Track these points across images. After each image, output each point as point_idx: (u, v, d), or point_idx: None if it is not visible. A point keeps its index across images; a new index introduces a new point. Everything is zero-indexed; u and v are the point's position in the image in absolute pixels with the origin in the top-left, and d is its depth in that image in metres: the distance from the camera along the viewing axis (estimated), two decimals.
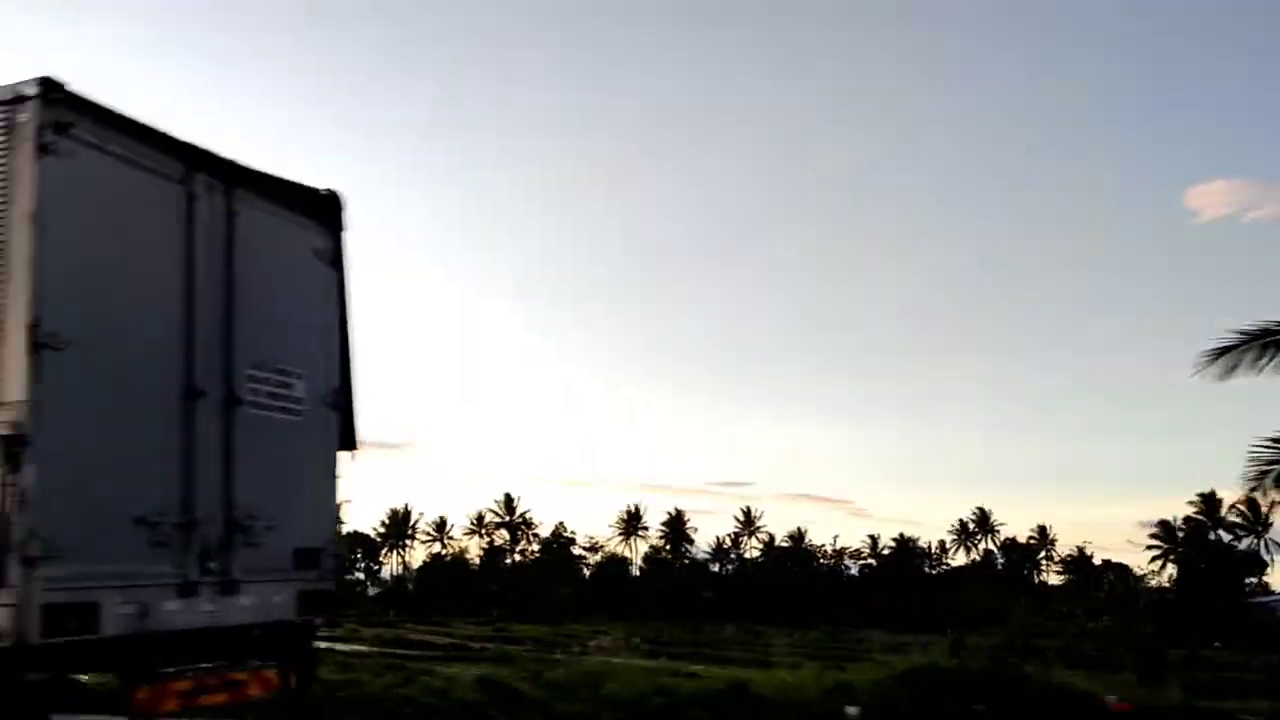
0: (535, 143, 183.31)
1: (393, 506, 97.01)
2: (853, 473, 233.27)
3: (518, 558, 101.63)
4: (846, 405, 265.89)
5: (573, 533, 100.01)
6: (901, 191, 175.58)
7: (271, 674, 5.89)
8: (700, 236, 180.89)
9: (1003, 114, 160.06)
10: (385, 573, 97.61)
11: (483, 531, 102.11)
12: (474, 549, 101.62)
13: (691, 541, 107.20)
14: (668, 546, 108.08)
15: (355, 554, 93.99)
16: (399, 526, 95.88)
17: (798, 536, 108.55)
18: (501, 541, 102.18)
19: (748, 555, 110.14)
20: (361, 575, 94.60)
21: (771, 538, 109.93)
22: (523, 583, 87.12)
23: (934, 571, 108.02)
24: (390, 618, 65.58)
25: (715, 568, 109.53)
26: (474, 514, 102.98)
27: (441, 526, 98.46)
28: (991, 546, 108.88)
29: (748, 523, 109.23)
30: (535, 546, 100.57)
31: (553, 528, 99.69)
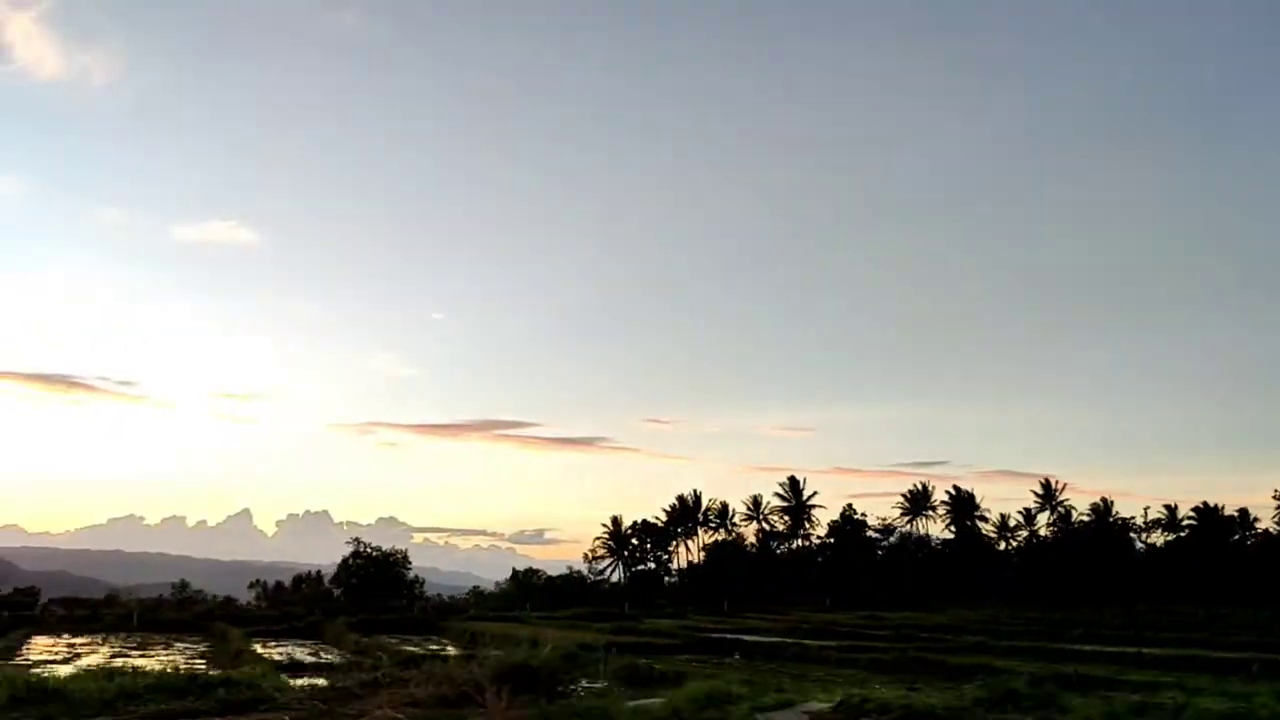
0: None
1: (680, 494, 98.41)
2: (1045, 447, 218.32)
3: (800, 543, 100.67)
4: (1030, 380, 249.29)
5: (863, 514, 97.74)
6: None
7: None
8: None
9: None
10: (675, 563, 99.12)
11: (761, 517, 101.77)
12: (749, 534, 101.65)
13: (985, 520, 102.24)
14: (953, 527, 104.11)
15: (646, 543, 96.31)
16: (687, 513, 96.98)
17: (1102, 510, 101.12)
18: (782, 526, 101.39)
19: (1042, 532, 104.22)
20: (653, 565, 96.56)
21: (1067, 512, 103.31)
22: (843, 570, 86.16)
23: (1250, 542, 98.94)
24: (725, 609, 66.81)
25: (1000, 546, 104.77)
26: (748, 499, 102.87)
27: (724, 513, 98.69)
28: None
29: (1047, 497, 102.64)
30: (820, 530, 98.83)
31: (840, 510, 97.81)
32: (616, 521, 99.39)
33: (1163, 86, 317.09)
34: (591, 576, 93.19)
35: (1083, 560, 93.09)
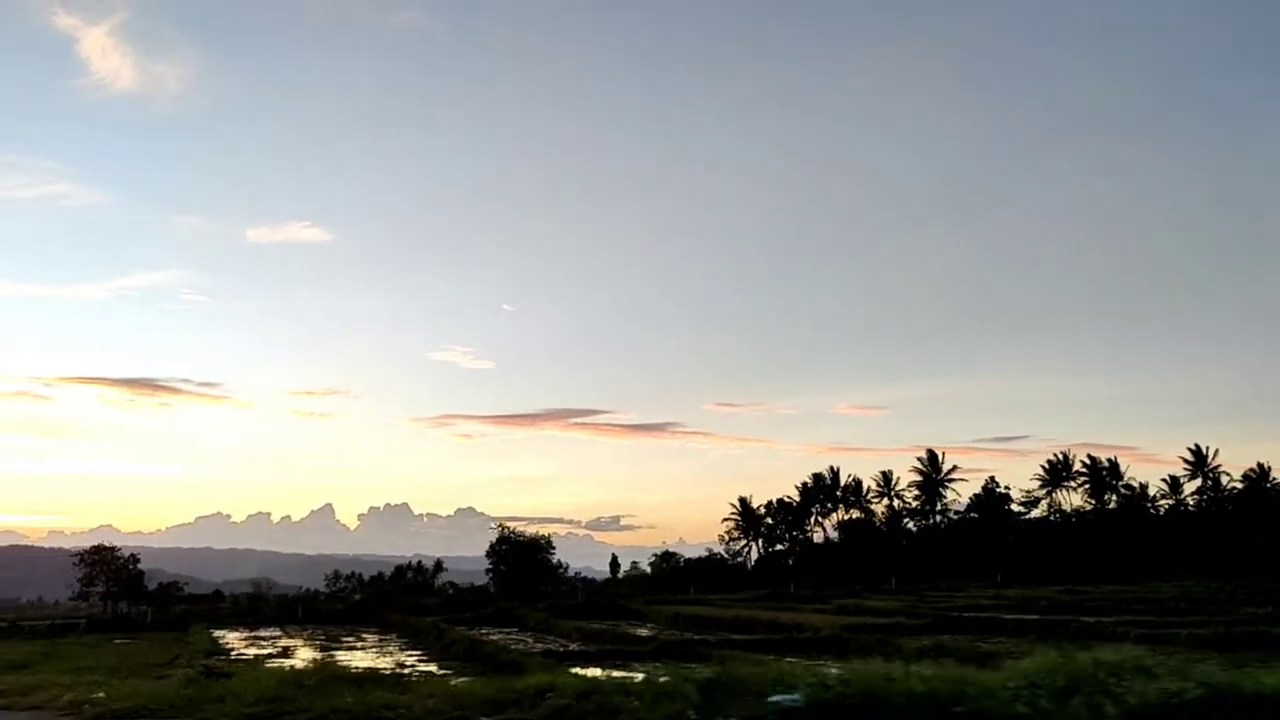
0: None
1: (815, 471, 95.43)
2: (1125, 419, 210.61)
3: (936, 518, 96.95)
4: (1111, 349, 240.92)
5: (1006, 487, 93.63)
6: None
7: None
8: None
9: None
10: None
11: (892, 493, 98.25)
12: (878, 510, 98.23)
13: (1130, 490, 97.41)
14: (1091, 499, 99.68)
15: (780, 522, 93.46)
16: (824, 490, 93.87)
17: (1256, 476, 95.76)
18: (915, 502, 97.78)
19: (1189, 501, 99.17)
20: (788, 544, 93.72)
21: (1218, 480, 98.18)
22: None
23: None
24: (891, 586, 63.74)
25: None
26: (878, 475, 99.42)
27: (858, 490, 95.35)
28: None
29: (1197, 464, 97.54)
30: (961, 504, 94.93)
31: (983, 483, 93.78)
32: (745, 502, 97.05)
33: (1227, 55, 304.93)
34: (728, 558, 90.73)
35: (1244, 528, 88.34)
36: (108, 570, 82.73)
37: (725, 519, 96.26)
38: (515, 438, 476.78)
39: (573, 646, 33.48)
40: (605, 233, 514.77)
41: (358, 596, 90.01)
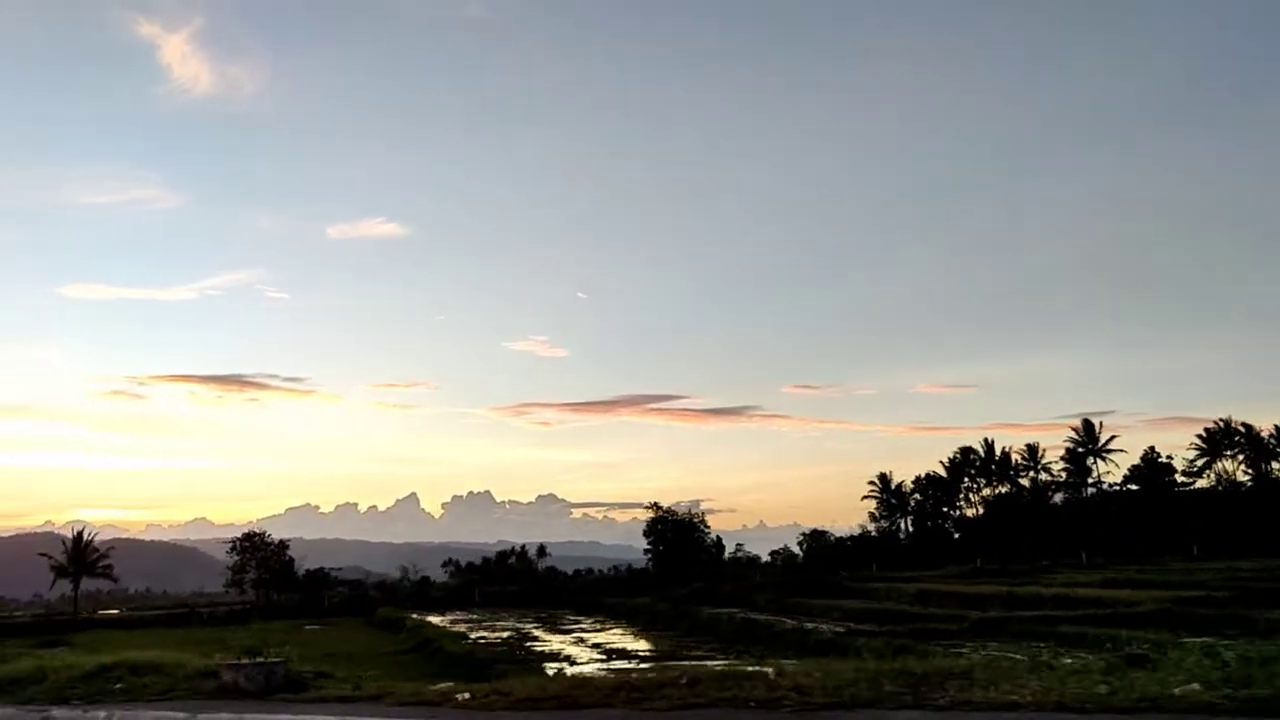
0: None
1: (963, 444, 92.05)
2: (1220, 389, 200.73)
3: (1089, 490, 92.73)
4: (1199, 322, 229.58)
5: (1168, 457, 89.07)
6: None
7: None
8: None
9: None
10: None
11: (1039, 465, 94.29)
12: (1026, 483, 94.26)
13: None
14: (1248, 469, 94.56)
15: (929, 498, 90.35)
16: (973, 464, 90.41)
17: None
18: (1062, 474, 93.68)
19: None
20: (939, 520, 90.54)
21: None
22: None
23: None
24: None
25: None
26: (1022, 449, 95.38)
27: (1005, 463, 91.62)
28: None
29: None
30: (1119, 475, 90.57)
31: (1142, 453, 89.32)
32: (885, 478, 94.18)
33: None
34: (875, 535, 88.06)
35: None
36: (259, 557, 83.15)
37: (865, 496, 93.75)
38: (592, 424, 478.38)
39: (862, 626, 31.28)
40: (678, 217, 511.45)
41: (514, 587, 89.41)
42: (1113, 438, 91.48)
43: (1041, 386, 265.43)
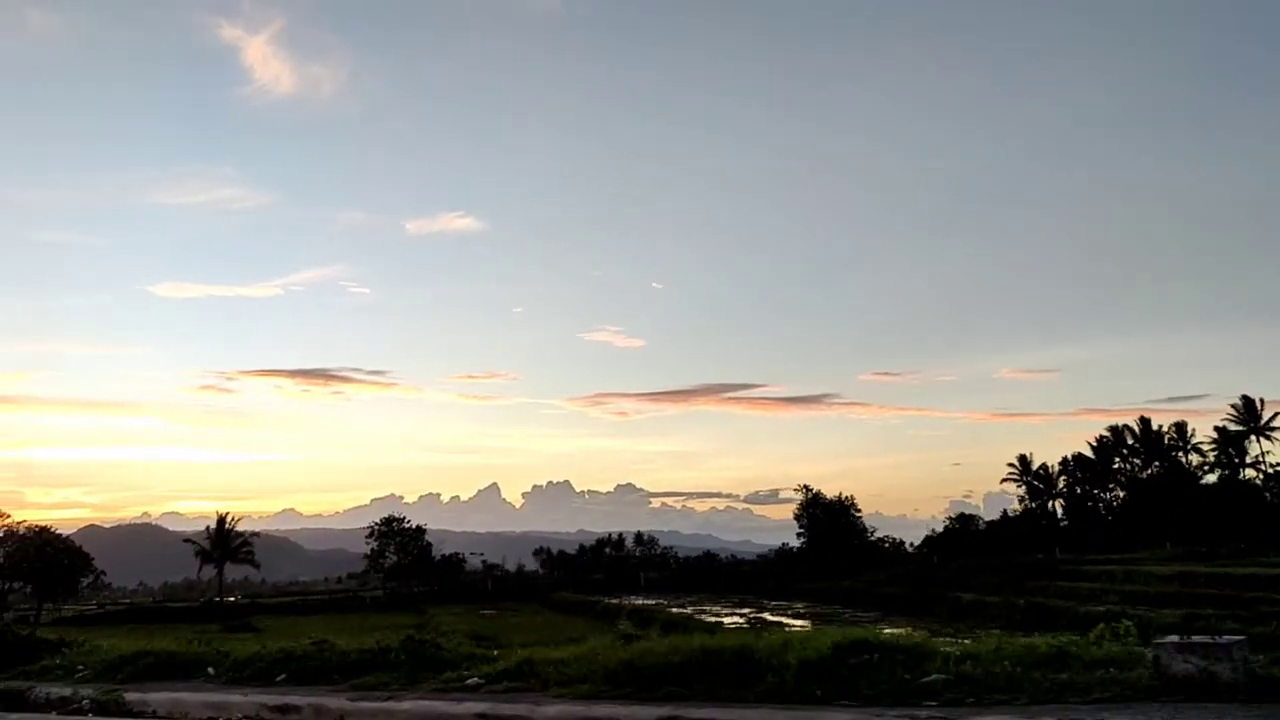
0: None
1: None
2: None
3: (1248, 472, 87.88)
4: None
5: None
6: None
7: None
8: None
9: None
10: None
11: (1187, 446, 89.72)
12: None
13: None
14: None
15: (1077, 480, 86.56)
16: (1123, 445, 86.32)
17: None
18: (1212, 454, 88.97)
19: None
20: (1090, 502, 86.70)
21: None
22: None
23: None
24: None
25: None
26: (1169, 427, 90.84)
27: (1158, 443, 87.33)
28: None
29: None
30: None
31: None
32: (1025, 460, 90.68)
33: None
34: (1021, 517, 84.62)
35: None
36: (397, 541, 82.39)
37: (1005, 479, 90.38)
38: (669, 414, 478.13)
39: (1202, 611, 28.43)
40: (753, 205, 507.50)
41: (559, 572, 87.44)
42: (1276, 415, 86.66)
43: (1128, 369, 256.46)
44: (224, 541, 77.97)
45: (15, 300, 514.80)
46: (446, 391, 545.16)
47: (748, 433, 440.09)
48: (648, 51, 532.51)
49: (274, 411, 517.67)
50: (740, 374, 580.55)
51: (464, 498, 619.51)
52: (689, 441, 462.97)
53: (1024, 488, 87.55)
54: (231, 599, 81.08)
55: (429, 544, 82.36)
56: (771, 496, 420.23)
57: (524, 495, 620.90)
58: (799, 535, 74.03)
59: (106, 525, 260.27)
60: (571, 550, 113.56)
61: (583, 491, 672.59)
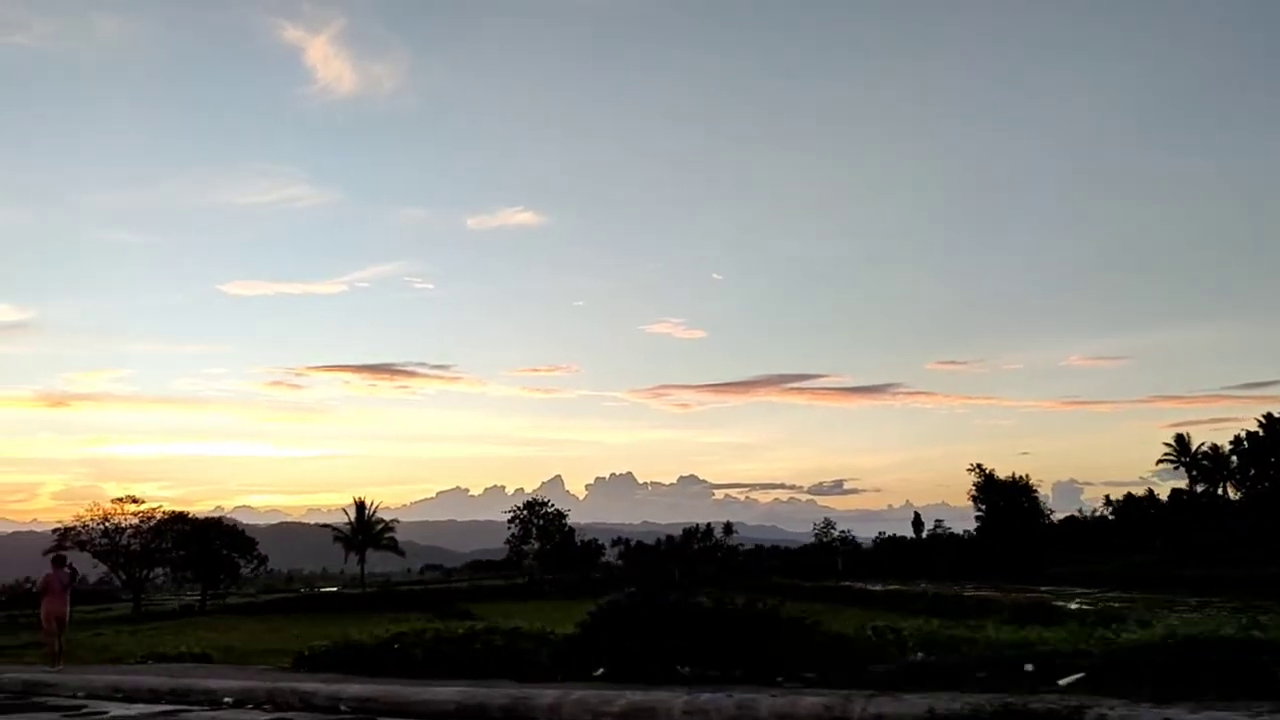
0: None
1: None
2: None
3: None
4: None
5: None
6: None
7: None
8: None
9: None
10: None
11: None
12: None
13: None
14: None
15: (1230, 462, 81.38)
16: None
17: None
18: None
19: None
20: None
21: None
22: None
23: None
24: None
25: None
26: None
27: None
28: None
29: None
30: None
31: None
32: (1182, 439, 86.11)
33: None
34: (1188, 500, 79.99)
35: None
36: (539, 527, 79.77)
37: (1161, 460, 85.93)
38: (730, 405, 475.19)
39: None
40: (810, 194, 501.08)
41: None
42: None
43: (1200, 355, 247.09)
44: (366, 528, 75.98)
45: (90, 300, 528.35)
46: (509, 385, 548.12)
47: (810, 423, 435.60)
48: (706, 42, 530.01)
49: (341, 406, 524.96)
50: (802, 364, 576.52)
51: (529, 489, 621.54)
52: (751, 432, 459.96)
53: (1180, 469, 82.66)
54: (371, 588, 78.99)
55: (571, 530, 79.67)
56: (836, 487, 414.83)
57: (587, 487, 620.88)
58: (977, 518, 70.27)
59: None
60: (635, 541, 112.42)
61: (645, 483, 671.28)
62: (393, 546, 78.28)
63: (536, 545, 78.15)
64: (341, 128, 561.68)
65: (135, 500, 76.15)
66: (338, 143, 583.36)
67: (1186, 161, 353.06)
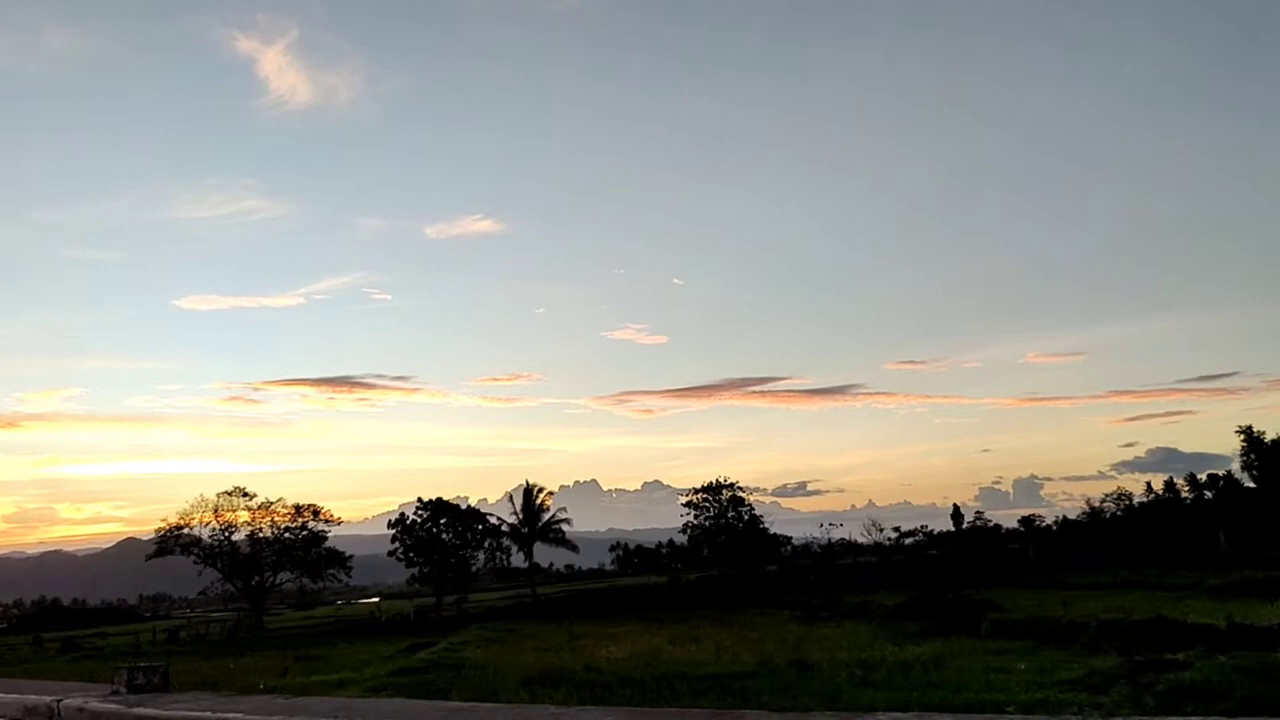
0: None
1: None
2: None
3: None
4: None
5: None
6: None
7: None
8: None
9: None
10: None
11: None
12: None
13: None
14: None
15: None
16: None
17: None
18: None
19: None
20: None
21: None
22: None
23: None
24: None
25: None
26: None
27: None
28: None
29: None
30: None
31: None
32: (1250, 432, 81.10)
33: None
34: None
35: None
36: (727, 518, 69.34)
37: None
38: (693, 410, 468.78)
39: None
40: (772, 199, 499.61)
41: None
42: None
43: (1156, 350, 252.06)
44: (535, 518, 64.77)
45: (42, 317, 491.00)
46: (471, 395, 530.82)
47: (773, 426, 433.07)
48: (665, 49, 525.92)
49: (300, 420, 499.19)
50: (764, 368, 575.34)
51: (492, 500, 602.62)
52: (714, 437, 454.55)
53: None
54: (527, 594, 67.55)
55: (758, 517, 69.07)
56: (799, 489, 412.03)
57: (551, 495, 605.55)
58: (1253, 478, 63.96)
59: (144, 538, 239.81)
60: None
61: (610, 490, 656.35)
62: (563, 540, 67.31)
63: (724, 538, 67.80)
64: (298, 139, 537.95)
65: (246, 494, 65.15)
66: (294, 154, 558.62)
67: (1137, 158, 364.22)
